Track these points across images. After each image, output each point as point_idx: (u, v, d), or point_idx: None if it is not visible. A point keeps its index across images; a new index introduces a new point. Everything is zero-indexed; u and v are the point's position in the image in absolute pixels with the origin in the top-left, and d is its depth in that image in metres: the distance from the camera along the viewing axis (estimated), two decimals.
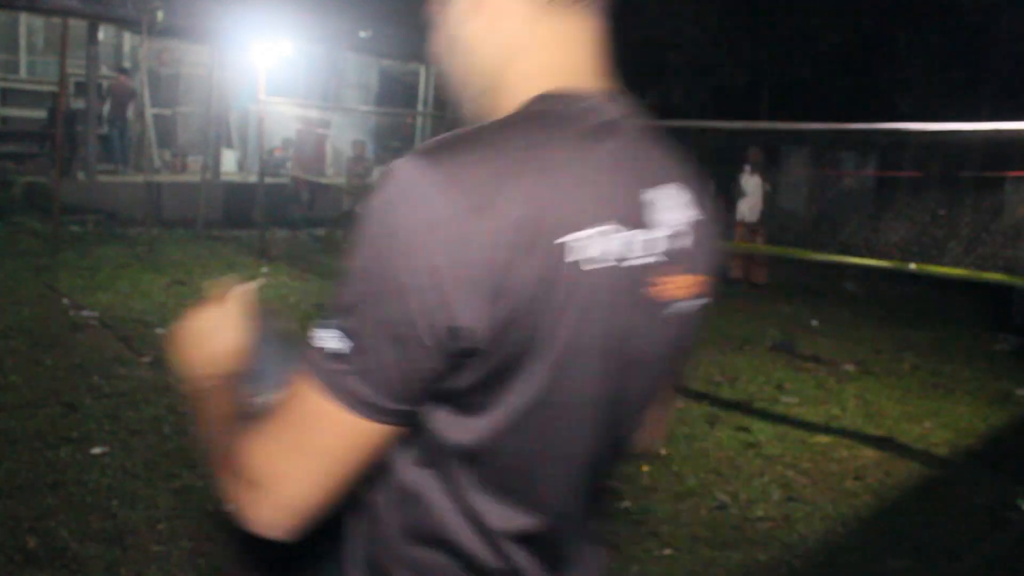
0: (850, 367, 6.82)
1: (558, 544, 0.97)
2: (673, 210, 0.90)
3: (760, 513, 3.88)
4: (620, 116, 0.90)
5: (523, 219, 0.78)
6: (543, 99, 0.87)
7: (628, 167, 0.87)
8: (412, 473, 0.88)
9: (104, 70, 13.25)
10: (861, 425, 5.34)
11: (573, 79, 0.88)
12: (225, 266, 8.84)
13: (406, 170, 0.78)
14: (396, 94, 16.94)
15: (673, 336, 0.94)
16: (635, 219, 0.86)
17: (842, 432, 5.15)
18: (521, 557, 0.93)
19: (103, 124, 12.68)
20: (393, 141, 17.09)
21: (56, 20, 11.76)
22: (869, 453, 4.81)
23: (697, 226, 0.93)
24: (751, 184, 10.51)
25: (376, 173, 14.75)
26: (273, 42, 11.53)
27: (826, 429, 5.19)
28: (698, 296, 0.94)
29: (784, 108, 16.27)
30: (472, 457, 0.87)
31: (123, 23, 12.64)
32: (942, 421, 5.56)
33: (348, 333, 0.79)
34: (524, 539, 0.92)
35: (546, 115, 0.85)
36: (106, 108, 12.80)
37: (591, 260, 0.82)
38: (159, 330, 6.09)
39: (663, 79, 17.86)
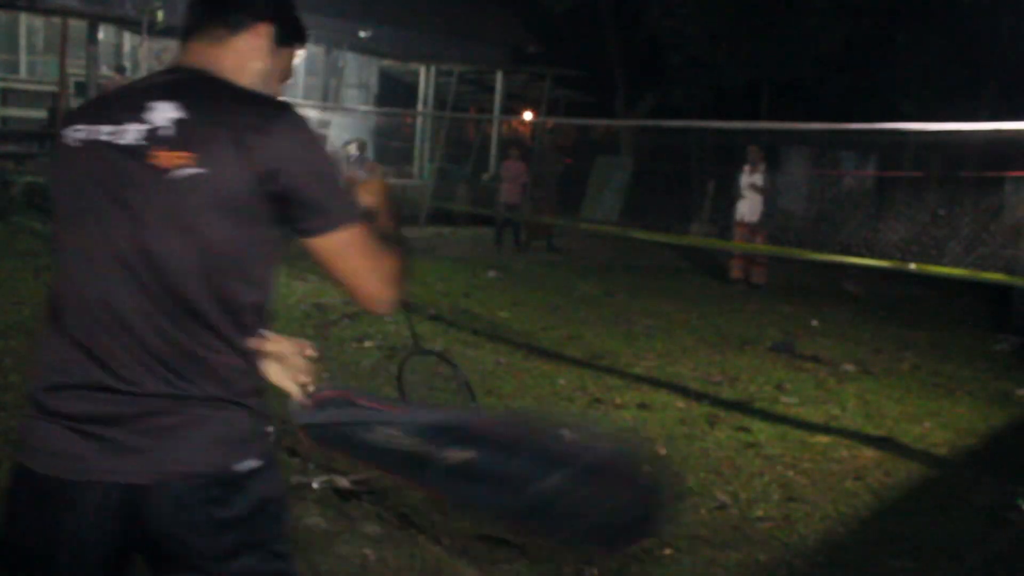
0: (850, 367, 6.82)
1: (109, 387, 1.41)
2: (161, 114, 1.43)
3: (760, 513, 3.88)
4: (168, 75, 1.56)
5: (66, 127, 1.50)
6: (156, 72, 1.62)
7: (141, 94, 1.48)
8: None
9: (104, 70, 13.25)
10: (861, 425, 5.33)
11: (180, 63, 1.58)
12: None
13: None
14: (396, 94, 16.94)
15: (180, 196, 1.40)
16: (126, 119, 1.44)
17: (842, 432, 5.15)
18: (65, 396, 1.45)
19: None
20: (393, 141, 17.10)
21: (56, 20, 11.77)
22: (869, 453, 4.81)
23: (181, 123, 1.42)
24: (751, 184, 10.49)
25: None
26: None
27: (826, 429, 5.19)
28: (185, 167, 1.39)
29: (784, 108, 16.27)
30: None
31: (123, 23, 12.65)
32: (942, 421, 5.55)
33: None
34: (69, 376, 1.45)
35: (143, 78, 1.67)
36: None
37: (78, 140, 1.47)
38: None
39: (663, 79, 17.84)
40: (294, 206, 1.43)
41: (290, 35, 1.63)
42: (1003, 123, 5.52)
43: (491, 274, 9.96)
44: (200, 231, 1.39)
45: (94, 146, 1.45)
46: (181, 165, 1.39)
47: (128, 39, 14.09)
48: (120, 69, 13.67)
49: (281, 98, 1.55)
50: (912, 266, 5.92)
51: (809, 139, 15.90)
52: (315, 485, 3.72)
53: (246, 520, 1.45)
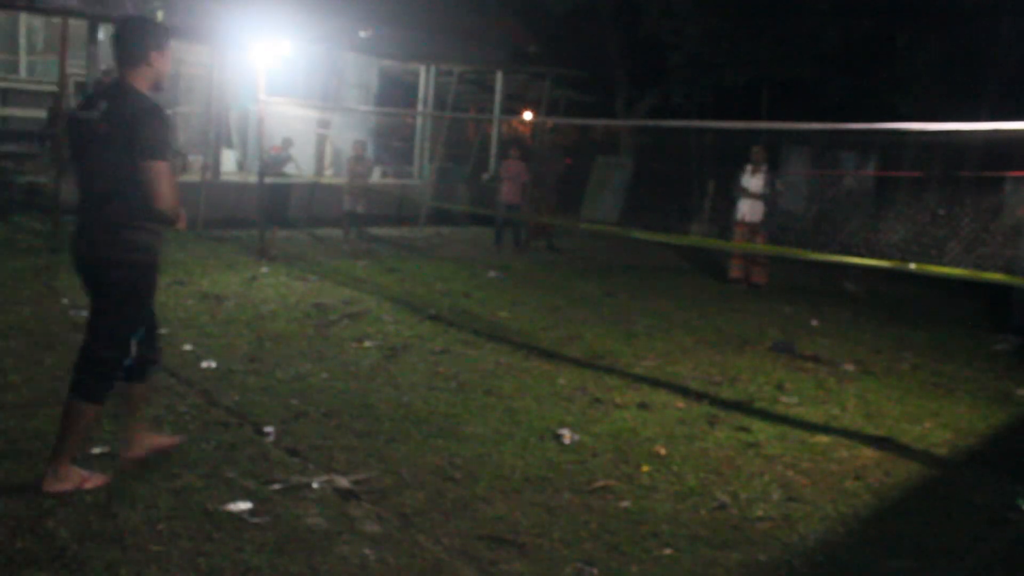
0: (850, 367, 6.82)
1: (92, 203, 3.39)
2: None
3: (760, 513, 3.88)
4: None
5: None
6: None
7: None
8: None
9: (104, 69, 13.24)
10: (861, 425, 5.34)
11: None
12: (225, 266, 8.84)
13: None
14: (396, 94, 16.92)
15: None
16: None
17: (842, 432, 5.15)
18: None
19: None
20: (393, 141, 17.08)
21: (56, 20, 11.76)
22: (869, 453, 4.81)
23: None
24: (752, 184, 10.48)
25: (376, 173, 14.76)
26: (273, 42, 11.52)
27: (826, 429, 5.19)
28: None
29: (784, 108, 16.24)
30: None
31: None
32: (942, 421, 5.56)
33: None
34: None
35: None
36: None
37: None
38: (159, 330, 6.08)
39: (663, 79, 17.83)
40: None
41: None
42: (1003, 123, 5.50)
43: (491, 274, 9.96)
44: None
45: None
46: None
47: None
48: (107, 73, 13.64)
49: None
50: (912, 266, 5.91)
51: (809, 139, 15.88)
52: (315, 485, 3.72)
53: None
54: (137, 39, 3.34)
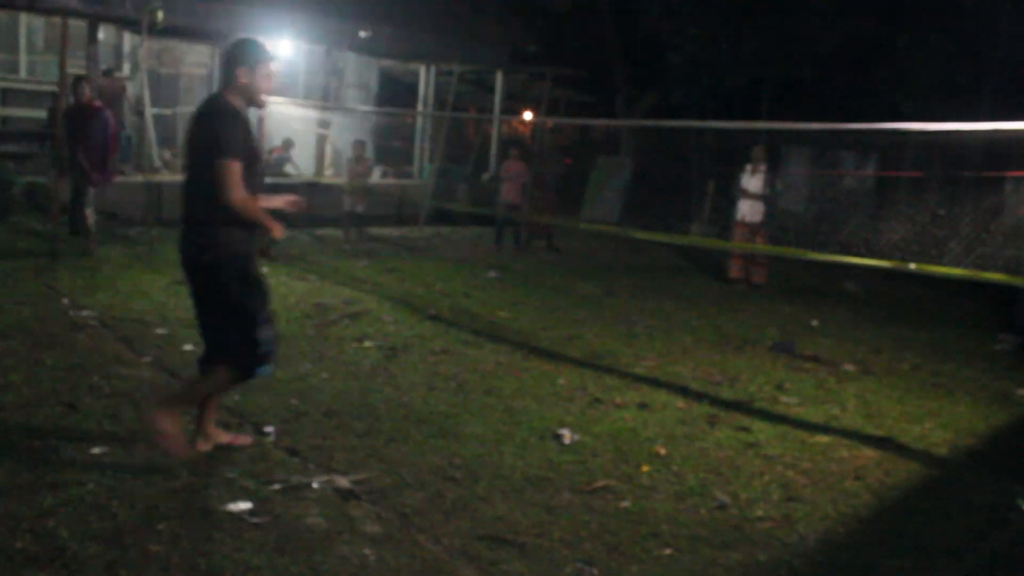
0: (850, 367, 6.82)
1: (186, 204, 3.82)
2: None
3: (760, 513, 3.88)
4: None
5: None
6: None
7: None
8: None
9: (105, 70, 13.24)
10: (861, 425, 5.34)
11: None
12: None
13: None
14: (396, 94, 16.93)
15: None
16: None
17: (842, 432, 5.15)
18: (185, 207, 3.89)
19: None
20: (393, 141, 17.08)
21: (56, 20, 11.76)
22: (869, 453, 4.81)
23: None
24: (752, 184, 10.47)
25: (376, 173, 14.76)
26: (273, 42, 11.52)
27: (826, 429, 5.19)
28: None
29: (784, 108, 16.26)
30: None
31: (123, 23, 12.64)
32: (942, 421, 5.56)
33: None
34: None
35: None
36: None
37: None
38: (159, 330, 6.09)
39: (663, 79, 17.83)
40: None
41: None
42: (1003, 123, 5.51)
43: (491, 274, 9.96)
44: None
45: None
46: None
47: (128, 39, 14.08)
48: (107, 72, 13.65)
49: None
50: (912, 266, 5.92)
51: (809, 139, 15.88)
52: (315, 485, 3.72)
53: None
54: (227, 60, 3.73)
